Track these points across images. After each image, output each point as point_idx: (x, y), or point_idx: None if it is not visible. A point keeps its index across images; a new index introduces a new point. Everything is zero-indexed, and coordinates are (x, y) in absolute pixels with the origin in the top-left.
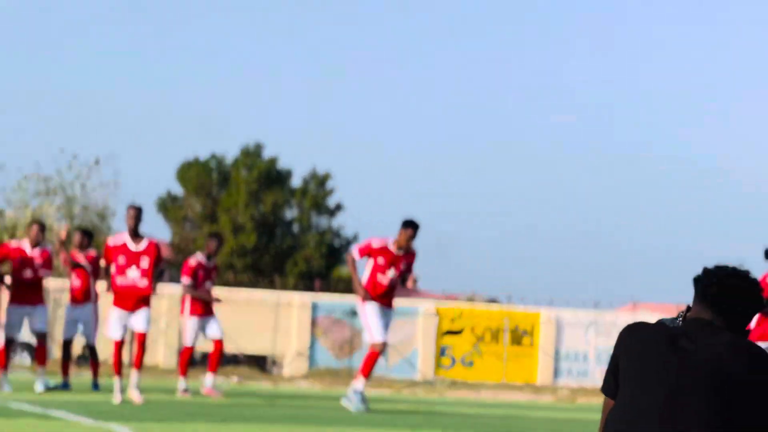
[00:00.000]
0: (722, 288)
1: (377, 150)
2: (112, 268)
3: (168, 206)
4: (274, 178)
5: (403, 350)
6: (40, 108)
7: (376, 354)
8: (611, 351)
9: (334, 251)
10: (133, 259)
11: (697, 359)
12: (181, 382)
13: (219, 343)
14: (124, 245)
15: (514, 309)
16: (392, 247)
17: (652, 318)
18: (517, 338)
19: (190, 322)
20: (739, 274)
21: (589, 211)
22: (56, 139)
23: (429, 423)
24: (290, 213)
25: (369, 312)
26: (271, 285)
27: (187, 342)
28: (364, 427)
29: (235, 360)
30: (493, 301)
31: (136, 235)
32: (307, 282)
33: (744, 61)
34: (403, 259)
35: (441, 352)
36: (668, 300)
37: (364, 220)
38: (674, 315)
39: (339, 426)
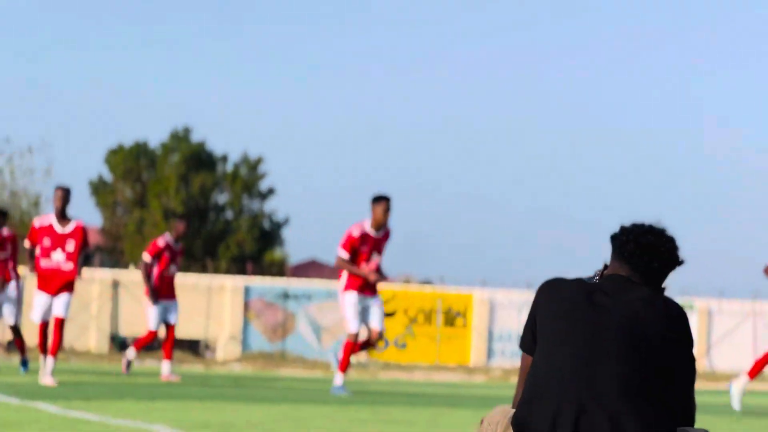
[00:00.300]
0: (638, 245)
1: (309, 133)
2: (37, 250)
3: (99, 191)
4: (203, 161)
5: (336, 332)
6: None
7: (350, 344)
8: None
9: (266, 234)
10: (59, 241)
11: (614, 316)
12: (130, 350)
13: (171, 329)
14: (50, 227)
15: (446, 290)
16: (371, 230)
17: None
18: (450, 320)
19: (154, 306)
20: (655, 231)
21: (520, 192)
22: None
23: (359, 401)
24: (222, 197)
25: (347, 302)
26: (203, 269)
27: (151, 326)
28: (291, 404)
29: None
30: (426, 282)
31: (63, 217)
32: (239, 265)
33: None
34: (382, 240)
35: None
36: None
37: (296, 203)
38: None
39: (267, 404)
